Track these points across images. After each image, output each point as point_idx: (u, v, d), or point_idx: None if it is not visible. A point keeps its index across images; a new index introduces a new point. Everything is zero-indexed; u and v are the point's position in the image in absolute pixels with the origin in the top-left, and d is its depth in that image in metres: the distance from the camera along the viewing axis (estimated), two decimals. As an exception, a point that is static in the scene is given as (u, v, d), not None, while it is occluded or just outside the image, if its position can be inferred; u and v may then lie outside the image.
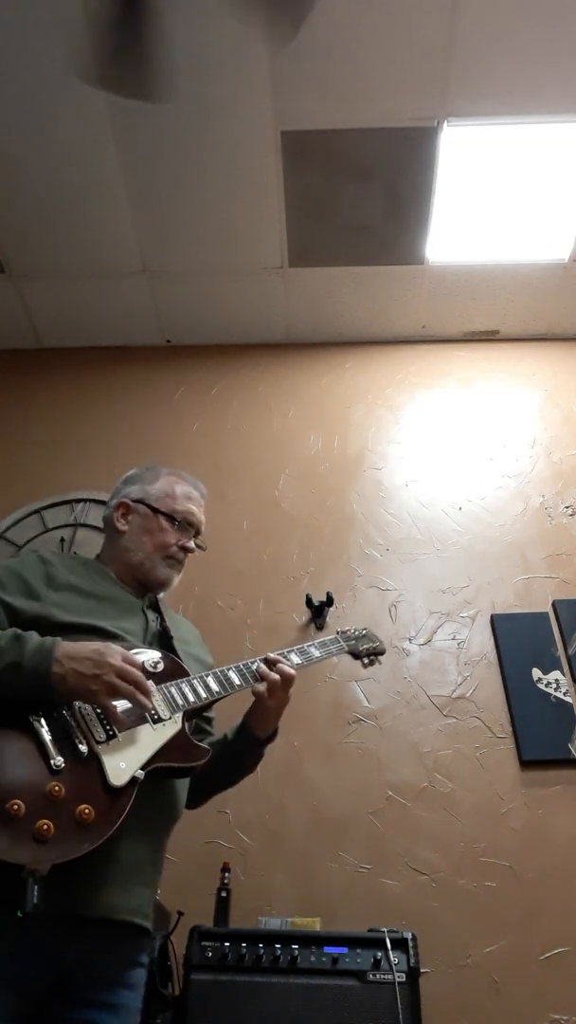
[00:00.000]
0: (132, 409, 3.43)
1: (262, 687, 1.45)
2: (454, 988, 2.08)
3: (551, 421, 3.33)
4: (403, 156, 2.79)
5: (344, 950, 1.71)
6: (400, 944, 1.73)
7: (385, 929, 1.76)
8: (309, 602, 2.74)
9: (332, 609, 2.77)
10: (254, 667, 1.48)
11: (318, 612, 2.75)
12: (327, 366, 3.56)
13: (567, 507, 3.05)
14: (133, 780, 1.21)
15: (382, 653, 1.79)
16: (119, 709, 1.26)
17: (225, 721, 1.60)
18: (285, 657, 1.52)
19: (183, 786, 1.43)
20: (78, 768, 1.18)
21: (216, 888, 1.97)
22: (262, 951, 1.71)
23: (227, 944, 1.72)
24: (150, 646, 1.46)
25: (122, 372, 3.56)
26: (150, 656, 1.40)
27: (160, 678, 1.37)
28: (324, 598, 2.74)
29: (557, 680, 2.58)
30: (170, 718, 1.33)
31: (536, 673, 2.60)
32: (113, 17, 1.98)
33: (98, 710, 1.25)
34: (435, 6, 2.36)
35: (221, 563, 2.88)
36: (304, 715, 2.50)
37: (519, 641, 2.68)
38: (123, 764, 1.22)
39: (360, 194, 2.93)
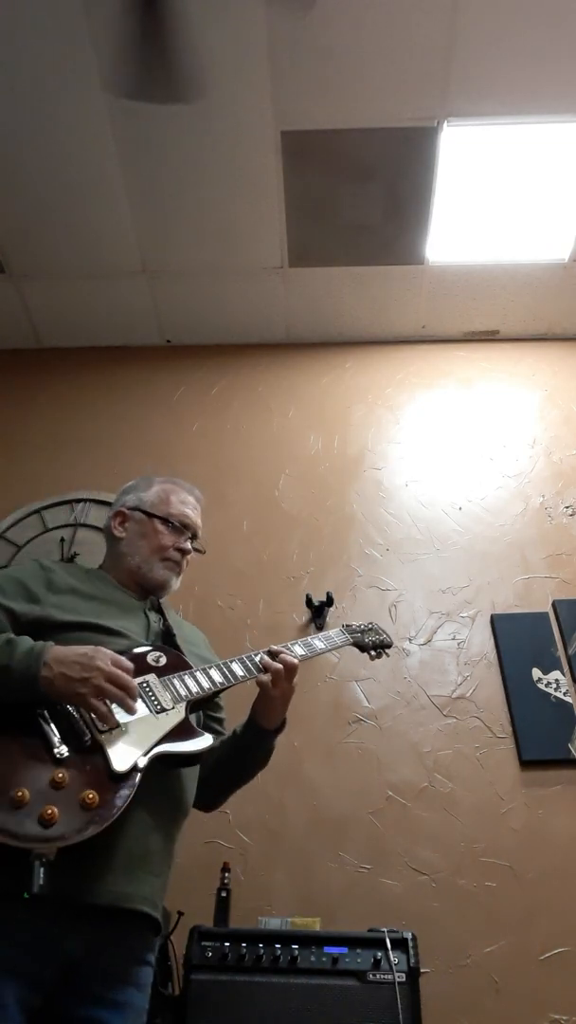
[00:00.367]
0: (132, 409, 3.43)
1: (266, 677, 1.46)
2: (454, 988, 2.08)
3: (551, 421, 3.33)
4: (403, 156, 2.79)
5: (344, 950, 1.71)
6: (400, 944, 1.73)
7: (385, 929, 1.76)
8: (309, 602, 2.75)
9: (332, 609, 2.77)
10: (257, 658, 1.49)
11: (318, 612, 2.75)
12: (327, 366, 3.56)
13: (567, 507, 3.05)
14: (136, 767, 1.23)
15: (389, 646, 1.79)
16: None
17: (237, 721, 1.60)
18: (288, 649, 1.54)
19: (191, 778, 1.43)
20: (82, 757, 1.20)
21: (216, 888, 1.97)
22: (262, 951, 1.71)
23: (227, 944, 1.72)
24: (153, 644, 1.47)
25: (122, 372, 3.56)
26: (151, 650, 1.42)
27: (162, 671, 1.39)
28: (324, 598, 2.74)
29: (557, 680, 2.58)
30: (173, 708, 1.34)
31: (536, 673, 2.60)
32: (138, 29, 2.00)
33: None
34: (435, 6, 2.36)
35: (221, 563, 2.88)
36: (304, 715, 2.50)
37: (519, 641, 2.68)
38: (126, 751, 1.24)
39: (360, 194, 2.93)
